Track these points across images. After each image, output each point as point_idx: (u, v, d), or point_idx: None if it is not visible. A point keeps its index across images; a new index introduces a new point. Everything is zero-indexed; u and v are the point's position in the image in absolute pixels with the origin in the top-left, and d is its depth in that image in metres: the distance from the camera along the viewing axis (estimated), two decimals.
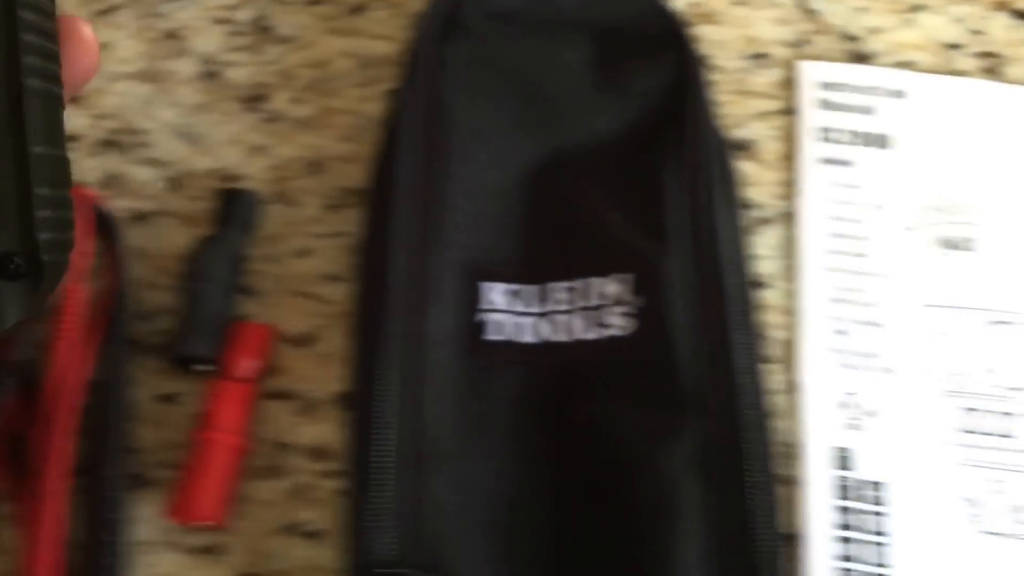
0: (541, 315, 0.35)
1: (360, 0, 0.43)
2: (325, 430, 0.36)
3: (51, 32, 0.28)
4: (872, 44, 0.42)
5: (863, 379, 0.35)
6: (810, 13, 0.43)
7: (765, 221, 0.39)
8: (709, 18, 0.43)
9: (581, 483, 0.32)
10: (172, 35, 0.43)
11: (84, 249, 0.37)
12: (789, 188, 0.39)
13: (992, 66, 0.42)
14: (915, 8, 0.43)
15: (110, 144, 0.40)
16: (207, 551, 0.34)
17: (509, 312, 0.35)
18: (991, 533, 0.33)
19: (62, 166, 0.30)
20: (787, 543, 0.33)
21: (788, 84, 0.41)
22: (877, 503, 0.33)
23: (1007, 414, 0.34)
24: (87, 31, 0.26)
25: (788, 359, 0.36)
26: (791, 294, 0.37)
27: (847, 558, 0.32)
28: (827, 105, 0.40)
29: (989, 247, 0.37)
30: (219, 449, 0.33)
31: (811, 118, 0.40)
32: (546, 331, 0.35)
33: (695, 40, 0.38)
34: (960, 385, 0.35)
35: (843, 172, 0.39)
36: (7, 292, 0.27)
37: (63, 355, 0.35)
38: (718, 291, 0.34)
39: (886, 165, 0.39)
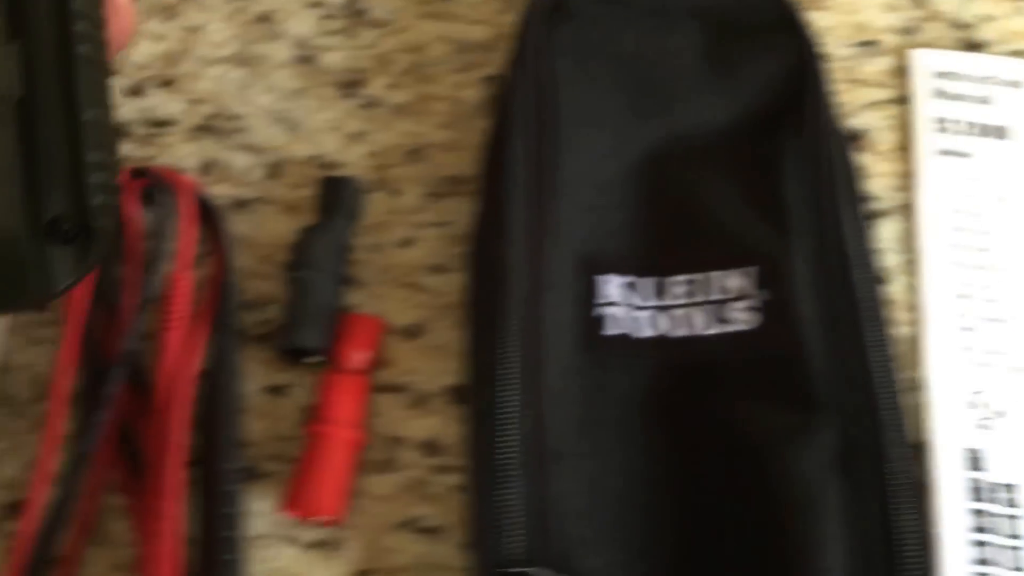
0: (659, 309, 0.34)
1: None
2: (436, 424, 0.35)
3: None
4: (984, 32, 0.41)
5: (991, 378, 0.34)
6: (920, 0, 0.42)
7: (882, 214, 0.38)
8: (816, 3, 0.41)
9: (710, 481, 0.31)
10: (264, 18, 0.42)
11: (189, 237, 0.36)
12: (905, 180, 0.38)
13: None
14: None
15: (206, 130, 0.40)
16: (323, 546, 0.33)
17: (626, 305, 0.34)
18: None
19: (111, 132, 0.30)
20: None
21: (899, 72, 0.40)
22: (1011, 505, 0.32)
23: None
24: None
25: (912, 356, 0.35)
26: (913, 289, 0.36)
27: (983, 561, 0.31)
28: (942, 95, 0.39)
29: None
30: (336, 443, 0.33)
31: (926, 108, 0.39)
32: (665, 325, 0.34)
33: (810, 24, 0.37)
34: None
35: (962, 164, 0.38)
36: (58, 257, 0.27)
37: (173, 345, 0.34)
38: (846, 286, 0.33)
39: (1005, 157, 0.38)
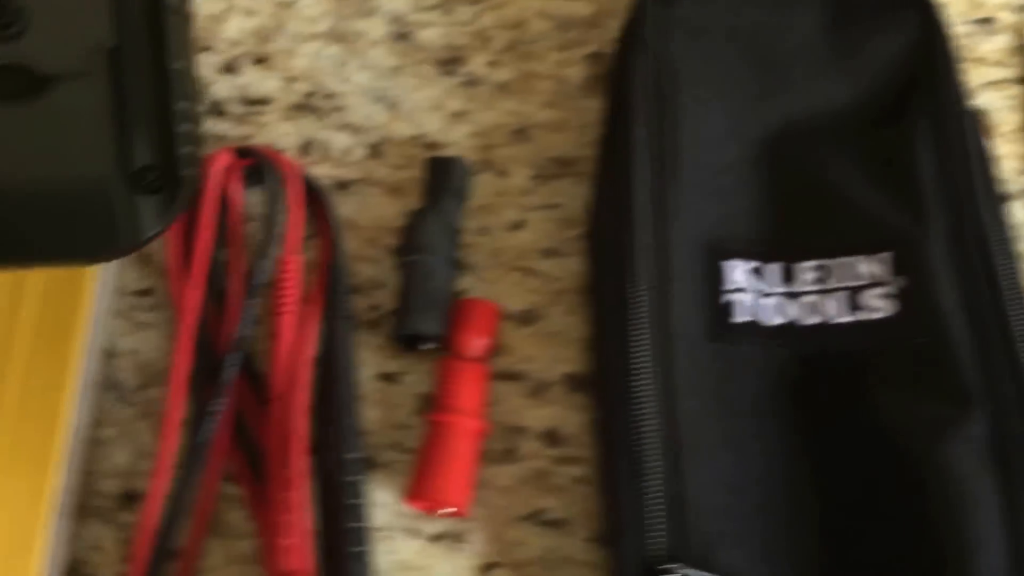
0: (787, 295, 0.33)
1: None
2: (556, 414, 0.34)
3: None
4: None
5: None
6: None
7: (1007, 198, 0.36)
8: None
9: (854, 475, 0.30)
10: None
11: (298, 219, 0.35)
12: None
13: None
14: None
15: (304, 108, 0.38)
16: (446, 539, 0.32)
17: (753, 292, 0.33)
18: None
19: (195, 82, 0.30)
20: None
21: (1018, 51, 0.39)
22: None
23: None
24: None
25: None
26: None
27: None
28: None
29: None
30: (460, 432, 0.32)
31: None
32: (794, 312, 0.33)
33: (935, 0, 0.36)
34: None
35: None
36: (145, 206, 0.27)
37: (287, 330, 0.33)
38: (986, 272, 0.32)
39: None
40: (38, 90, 0.28)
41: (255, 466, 0.32)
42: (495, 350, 0.34)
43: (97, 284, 0.32)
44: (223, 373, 0.31)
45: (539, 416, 0.34)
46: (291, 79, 0.39)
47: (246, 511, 0.32)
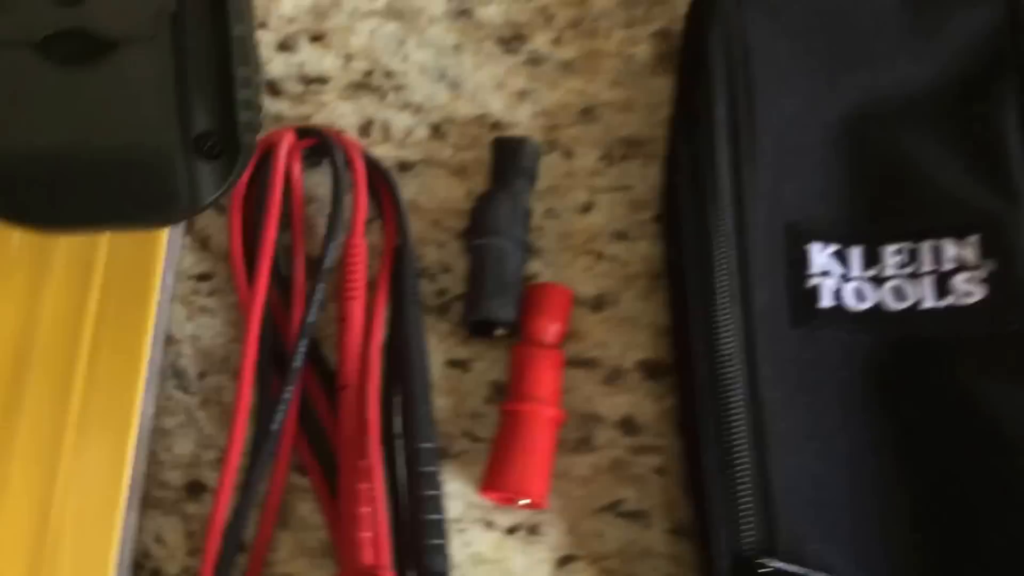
0: (871, 279, 0.32)
1: None
2: (632, 401, 0.33)
3: None
4: None
5: None
6: None
7: None
8: None
9: (950, 467, 0.29)
10: None
11: (363, 202, 0.34)
12: None
13: None
14: None
15: (364, 87, 0.37)
16: (522, 530, 0.31)
17: (836, 276, 0.32)
18: None
19: (255, 48, 0.30)
20: None
21: None
22: None
23: None
24: None
25: None
26: None
27: None
28: None
29: None
30: (537, 421, 0.31)
31: None
32: (878, 297, 0.32)
33: None
34: None
35: None
36: (204, 171, 0.27)
37: (356, 315, 0.32)
38: None
39: None
40: (100, 55, 0.28)
41: (323, 456, 0.31)
42: (567, 336, 0.33)
43: (163, 267, 0.31)
44: (293, 360, 0.30)
45: (614, 404, 0.33)
46: (349, 57, 0.38)
47: (315, 503, 0.31)
